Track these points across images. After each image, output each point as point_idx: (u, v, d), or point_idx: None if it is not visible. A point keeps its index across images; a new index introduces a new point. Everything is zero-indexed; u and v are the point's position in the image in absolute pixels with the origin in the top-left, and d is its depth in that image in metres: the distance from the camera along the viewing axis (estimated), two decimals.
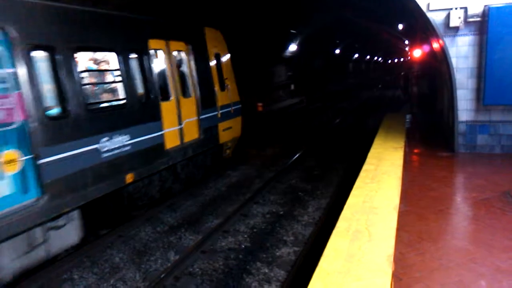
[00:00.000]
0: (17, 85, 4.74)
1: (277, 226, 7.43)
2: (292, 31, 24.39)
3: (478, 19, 8.17)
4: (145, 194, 7.65)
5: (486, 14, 8.01)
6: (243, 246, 6.69)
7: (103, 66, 6.86)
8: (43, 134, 4.98)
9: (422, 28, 12.75)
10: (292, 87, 28.71)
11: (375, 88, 42.51)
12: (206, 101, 8.84)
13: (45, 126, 5.02)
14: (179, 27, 8.40)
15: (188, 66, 8.45)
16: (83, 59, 6.52)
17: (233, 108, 10.09)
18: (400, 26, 23.88)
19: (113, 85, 6.88)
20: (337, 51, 39.21)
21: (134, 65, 6.88)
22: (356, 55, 52.76)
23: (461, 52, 8.54)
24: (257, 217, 7.87)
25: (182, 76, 8.28)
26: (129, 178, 6.49)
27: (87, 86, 6.26)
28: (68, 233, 5.84)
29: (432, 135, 11.40)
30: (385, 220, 4.42)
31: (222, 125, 9.52)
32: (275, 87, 25.97)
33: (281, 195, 9.11)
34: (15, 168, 4.68)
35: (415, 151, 9.75)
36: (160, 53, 7.75)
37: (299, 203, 8.59)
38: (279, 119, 20.23)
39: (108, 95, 6.81)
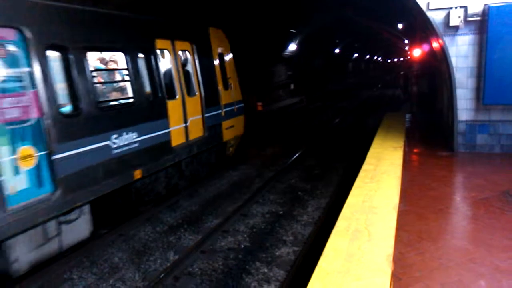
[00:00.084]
0: (32, 83, 4.91)
1: (277, 225, 7.43)
2: (291, 30, 24.38)
3: (478, 18, 8.16)
4: (151, 190, 7.79)
5: (486, 13, 8.01)
6: (243, 246, 6.68)
7: (113, 66, 7.04)
8: (57, 131, 5.14)
9: (421, 28, 12.74)
10: (292, 86, 28.72)
11: (375, 87, 42.53)
12: (210, 100, 9.00)
13: (58, 123, 5.19)
14: (184, 27, 8.53)
15: (193, 66, 8.60)
16: (94, 59, 6.67)
17: (236, 107, 10.24)
18: (400, 26, 23.86)
19: (122, 84, 7.03)
20: (337, 51, 39.23)
21: (142, 64, 7.05)
22: (356, 55, 52.79)
23: (461, 51, 8.54)
24: (256, 217, 7.87)
25: (187, 75, 8.41)
26: (137, 174, 6.65)
27: (98, 85, 6.41)
28: (79, 227, 6.01)
29: (431, 134, 11.40)
30: (385, 219, 4.42)
31: (225, 124, 9.66)
32: (275, 86, 25.98)
33: (280, 195, 9.11)
34: (31, 164, 4.85)
35: (415, 150, 9.75)
36: (166, 53, 7.91)
37: (298, 202, 8.58)
38: (279, 118, 20.23)
39: (117, 94, 6.97)
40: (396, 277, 4.03)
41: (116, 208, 7.54)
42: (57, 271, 5.94)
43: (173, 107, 7.67)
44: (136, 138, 6.55)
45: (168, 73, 7.83)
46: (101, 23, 6.27)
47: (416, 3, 8.50)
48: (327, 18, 25.00)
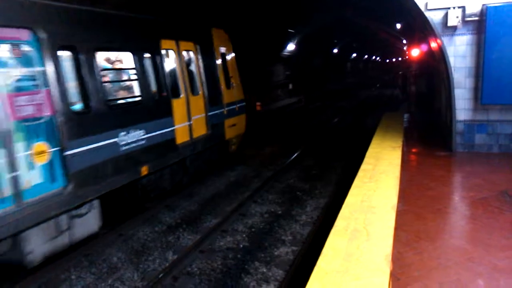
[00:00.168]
0: (45, 82, 5.12)
1: (276, 225, 7.43)
2: (290, 30, 24.38)
3: (476, 18, 8.18)
4: (157, 186, 7.98)
5: (484, 13, 8.02)
6: (242, 246, 6.68)
7: (120, 65, 7.24)
8: (68, 128, 5.34)
9: (420, 28, 12.76)
10: (291, 86, 28.72)
11: (373, 87, 42.56)
12: (213, 99, 9.23)
13: (70, 120, 5.38)
14: (188, 28, 8.71)
15: (197, 65, 8.82)
16: (102, 59, 6.80)
17: (238, 105, 10.48)
18: (398, 26, 23.87)
19: (129, 83, 7.23)
20: (336, 51, 39.25)
21: (148, 64, 7.26)
22: (355, 55, 52.85)
23: (459, 51, 8.55)
24: (255, 217, 7.87)
25: (191, 75, 8.65)
26: (144, 170, 6.86)
27: (107, 84, 6.61)
28: (89, 221, 6.24)
29: (430, 134, 11.42)
30: (383, 219, 4.42)
31: (228, 122, 9.91)
32: (274, 86, 25.98)
33: (279, 195, 9.11)
34: (44, 159, 5.05)
35: (413, 150, 9.77)
36: (171, 53, 8.11)
37: (297, 202, 8.59)
38: (277, 118, 20.23)
39: (125, 92, 7.13)
40: (394, 276, 4.04)
41: (124, 204, 7.75)
42: (55, 271, 5.93)
43: (178, 105, 7.88)
44: (143, 135, 6.76)
45: (172, 72, 8.05)
46: (109, 24, 6.50)
47: (415, 3, 8.51)
48: (326, 18, 25.01)
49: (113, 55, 7.10)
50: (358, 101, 29.32)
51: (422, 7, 8.49)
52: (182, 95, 8.13)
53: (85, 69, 5.74)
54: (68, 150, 5.32)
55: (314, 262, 3.52)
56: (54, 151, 5.17)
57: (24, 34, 4.91)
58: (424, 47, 14.70)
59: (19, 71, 4.83)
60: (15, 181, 4.67)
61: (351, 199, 5.11)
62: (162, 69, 7.52)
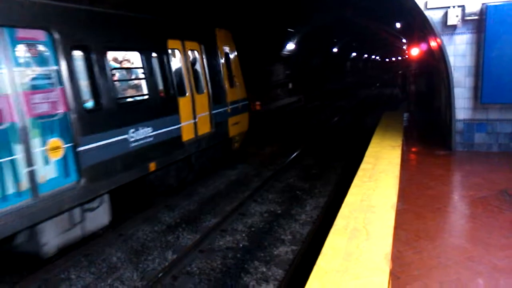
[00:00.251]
0: (59, 80, 5.33)
1: (275, 225, 7.43)
2: (290, 29, 24.36)
3: (476, 17, 8.17)
4: (163, 182, 8.25)
5: (484, 12, 8.01)
6: (241, 245, 6.68)
7: (128, 64, 7.41)
8: (81, 125, 5.55)
9: (419, 27, 12.75)
10: (290, 85, 28.72)
11: (373, 86, 42.53)
12: (217, 97, 9.44)
13: (83, 117, 5.60)
14: (192, 28, 8.87)
15: (201, 65, 9.02)
16: (112, 58, 6.97)
17: (241, 104, 10.68)
18: (398, 25, 23.86)
19: (138, 81, 7.38)
20: (335, 50, 39.22)
21: (155, 63, 7.45)
22: (354, 54, 52.81)
23: (458, 50, 8.54)
24: (255, 216, 7.87)
25: (196, 74, 8.83)
26: (152, 166, 7.06)
27: (117, 82, 6.78)
28: (100, 215, 6.44)
29: (429, 133, 11.41)
30: (383, 218, 4.42)
31: (231, 120, 10.12)
32: (273, 85, 25.98)
33: (279, 194, 9.11)
34: (59, 155, 5.29)
35: (413, 149, 9.76)
36: (177, 52, 8.32)
37: (297, 201, 8.59)
38: (277, 117, 20.22)
39: (134, 91, 7.32)
40: (394, 275, 4.03)
41: (133, 198, 8.11)
42: (55, 270, 5.93)
43: (184, 104, 8.08)
44: (151, 132, 6.96)
45: (178, 71, 8.24)
46: (119, 24, 6.71)
47: (414, 2, 8.50)
48: (326, 18, 24.98)
49: (121, 54, 7.27)
50: (357, 100, 29.31)
51: (421, 6, 8.48)
52: (188, 94, 8.32)
53: (96, 68, 5.95)
54: (81, 146, 5.53)
55: (314, 262, 3.52)
56: (67, 147, 5.39)
57: (40, 34, 5.13)
58: (423, 46, 14.69)
59: (35, 70, 5.06)
60: (31, 175, 4.89)
61: (350, 198, 5.11)
62: (169, 68, 7.70)
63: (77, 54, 5.79)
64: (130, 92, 7.23)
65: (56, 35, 5.27)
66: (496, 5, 7.89)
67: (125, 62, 7.33)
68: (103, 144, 5.89)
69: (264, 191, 9.25)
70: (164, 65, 7.58)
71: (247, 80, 11.51)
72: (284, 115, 21.41)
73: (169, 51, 7.87)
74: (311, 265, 3.48)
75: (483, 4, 8.03)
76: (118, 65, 7.16)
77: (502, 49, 7.99)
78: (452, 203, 6.24)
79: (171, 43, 7.93)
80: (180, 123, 7.87)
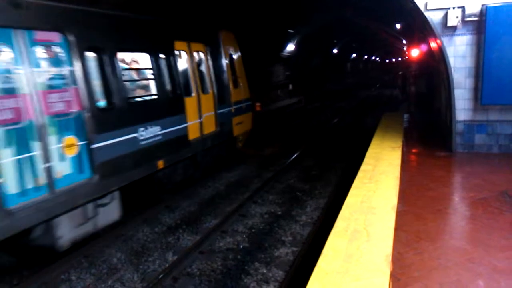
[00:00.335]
0: (74, 80, 5.55)
1: (276, 226, 7.43)
2: (290, 30, 24.36)
3: (476, 18, 8.18)
4: (171, 180, 8.46)
5: (484, 13, 8.02)
6: (242, 247, 6.68)
7: (136, 65, 7.58)
8: (94, 123, 5.75)
9: (419, 28, 12.76)
10: (290, 86, 28.69)
11: (373, 87, 42.53)
12: (222, 98, 9.72)
13: (95, 116, 5.79)
14: (198, 30, 9.10)
15: (206, 65, 9.28)
16: (123, 59, 7.13)
17: (244, 104, 10.92)
18: (398, 26, 23.87)
19: (147, 81, 7.60)
20: (335, 51, 39.20)
21: (163, 64, 7.67)
22: (354, 55, 52.79)
23: (458, 51, 8.55)
24: (255, 217, 7.87)
25: (201, 74, 9.06)
26: (160, 164, 7.27)
27: (127, 82, 6.97)
28: (112, 211, 6.61)
29: (430, 134, 11.42)
30: (383, 220, 4.42)
31: (235, 120, 10.38)
32: (273, 86, 25.95)
33: (279, 195, 9.11)
34: (74, 152, 5.51)
35: (413, 150, 9.76)
36: (183, 54, 8.54)
37: (297, 203, 8.58)
38: (277, 118, 20.22)
39: (143, 91, 7.50)
40: (395, 277, 4.03)
41: (142, 194, 8.31)
42: (55, 272, 5.93)
43: (190, 103, 8.32)
44: (159, 131, 7.18)
45: (185, 72, 8.47)
46: (129, 26, 6.94)
47: (414, 3, 8.51)
48: (326, 18, 24.97)
49: (130, 55, 7.44)
50: (358, 101, 29.31)
51: (422, 7, 8.49)
52: (194, 94, 8.53)
53: (108, 69, 6.17)
54: (94, 144, 5.74)
55: (314, 263, 3.52)
56: (82, 144, 5.60)
57: (55, 36, 5.35)
58: (423, 47, 14.71)
59: (51, 71, 5.31)
60: (48, 171, 5.11)
61: (351, 199, 5.11)
62: (176, 69, 7.91)
63: (90, 55, 5.99)
64: (140, 92, 7.42)
65: (71, 37, 5.48)
66: (496, 6, 7.91)
67: (133, 63, 7.51)
68: (114, 142, 6.10)
69: (265, 192, 9.25)
70: (172, 66, 7.80)
71: (247, 81, 11.57)
72: (284, 116, 21.41)
73: (176, 52, 8.08)
74: (311, 267, 3.48)
75: (483, 5, 8.04)
76: (128, 66, 7.34)
77: (502, 50, 8.01)
78: (453, 204, 6.24)
79: (178, 44, 8.15)
80: (186, 122, 8.08)
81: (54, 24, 5.34)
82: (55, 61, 5.38)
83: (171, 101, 7.72)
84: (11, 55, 4.78)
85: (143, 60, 7.52)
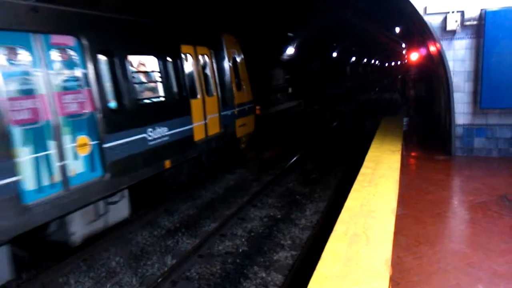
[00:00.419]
0: (87, 82, 5.77)
1: (275, 229, 7.41)
2: (289, 34, 24.41)
3: (475, 22, 8.20)
4: (177, 179, 8.76)
5: (483, 17, 8.04)
6: (241, 250, 6.66)
7: (144, 68, 7.76)
8: (106, 124, 5.96)
9: (419, 32, 12.79)
10: (290, 90, 28.72)
11: (372, 91, 42.59)
12: (226, 100, 9.92)
13: (107, 117, 6.01)
14: (203, 34, 9.34)
15: (211, 68, 9.47)
16: (132, 62, 7.32)
17: (247, 106, 11.12)
18: (398, 30, 23.96)
19: (155, 84, 7.80)
20: (335, 54, 39.30)
21: (170, 67, 7.89)
22: (354, 58, 52.91)
23: (458, 55, 8.57)
24: (254, 221, 7.85)
25: (206, 77, 9.27)
26: (167, 164, 7.48)
27: (136, 84, 7.16)
28: (121, 208, 6.82)
29: (429, 138, 11.42)
30: (383, 223, 4.41)
31: (238, 121, 10.59)
32: (273, 90, 25.98)
33: (279, 199, 9.09)
34: (86, 151, 5.72)
35: (412, 154, 9.76)
36: (189, 57, 8.75)
37: (297, 206, 8.57)
38: (277, 122, 20.23)
39: (151, 93, 7.70)
40: (394, 281, 4.02)
41: (149, 193, 8.61)
42: (54, 275, 5.90)
43: (195, 105, 8.53)
44: (167, 132, 7.40)
45: (191, 74, 8.70)
46: (139, 30, 7.17)
47: (414, 7, 8.53)
48: (326, 20, 25.01)
49: (138, 59, 7.66)
50: (357, 104, 29.33)
51: (421, 11, 8.52)
52: (199, 96, 8.74)
53: (119, 71, 6.39)
54: (105, 143, 5.95)
55: (314, 267, 3.51)
56: (94, 143, 5.82)
57: (70, 40, 5.58)
58: (423, 51, 14.75)
59: (66, 73, 5.54)
60: (63, 169, 5.33)
61: (350, 203, 5.10)
62: (182, 72, 8.13)
63: (102, 58, 6.21)
64: (148, 93, 7.61)
65: (84, 41, 5.70)
66: (494, 11, 7.93)
67: (141, 66, 7.69)
68: (124, 142, 6.31)
69: (264, 195, 9.24)
70: (178, 69, 8.01)
71: (250, 84, 11.68)
72: (284, 119, 21.43)
73: (182, 55, 8.29)
74: (311, 271, 3.47)
75: (482, 9, 8.06)
76: (137, 69, 7.52)
77: (501, 54, 8.02)
78: (452, 208, 6.24)
79: (184, 48, 8.36)
80: (192, 124, 8.30)
81: (68, 28, 5.56)
82: (70, 64, 5.60)
83: (177, 103, 7.92)
84: (30, 58, 5.00)
85: (150, 63, 7.74)
